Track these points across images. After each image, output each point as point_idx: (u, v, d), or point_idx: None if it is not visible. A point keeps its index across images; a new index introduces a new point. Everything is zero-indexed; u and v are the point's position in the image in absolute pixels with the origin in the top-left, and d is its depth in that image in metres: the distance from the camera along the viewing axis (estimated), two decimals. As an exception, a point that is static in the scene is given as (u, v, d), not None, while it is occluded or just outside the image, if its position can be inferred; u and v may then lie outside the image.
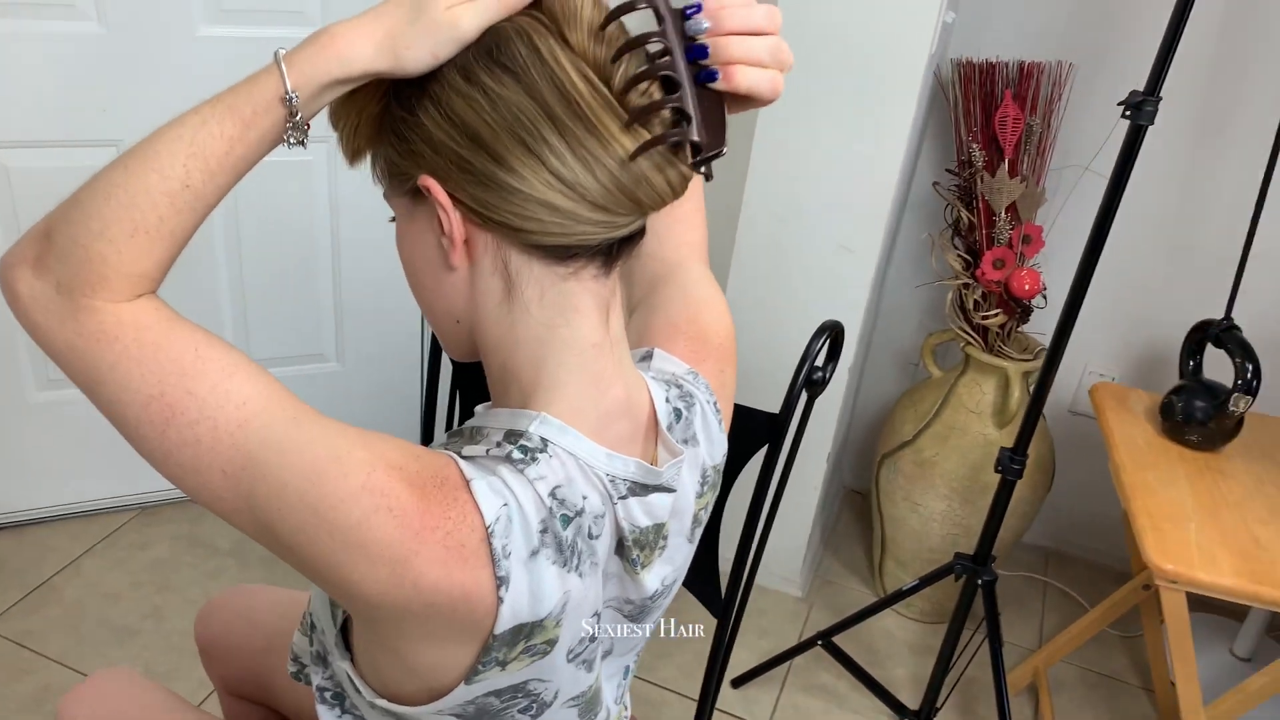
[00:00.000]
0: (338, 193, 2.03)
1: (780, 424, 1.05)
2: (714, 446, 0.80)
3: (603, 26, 0.62)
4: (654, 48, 0.62)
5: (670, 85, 0.62)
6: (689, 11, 0.63)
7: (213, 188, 0.62)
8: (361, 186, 1.97)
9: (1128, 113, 1.40)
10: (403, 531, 0.60)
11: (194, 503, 2.14)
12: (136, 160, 0.61)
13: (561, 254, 0.65)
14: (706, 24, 0.63)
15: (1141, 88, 1.38)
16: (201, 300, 2.02)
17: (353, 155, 0.70)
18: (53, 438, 2.01)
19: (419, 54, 0.61)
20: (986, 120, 1.90)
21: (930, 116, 2.04)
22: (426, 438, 1.39)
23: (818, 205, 1.80)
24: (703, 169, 0.64)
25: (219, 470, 0.60)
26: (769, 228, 1.85)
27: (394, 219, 0.73)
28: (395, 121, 0.66)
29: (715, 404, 0.81)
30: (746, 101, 0.67)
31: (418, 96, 0.64)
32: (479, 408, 0.77)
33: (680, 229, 0.89)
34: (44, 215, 0.63)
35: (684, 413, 0.77)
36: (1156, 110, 1.38)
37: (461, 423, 1.36)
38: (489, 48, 0.62)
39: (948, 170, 2.02)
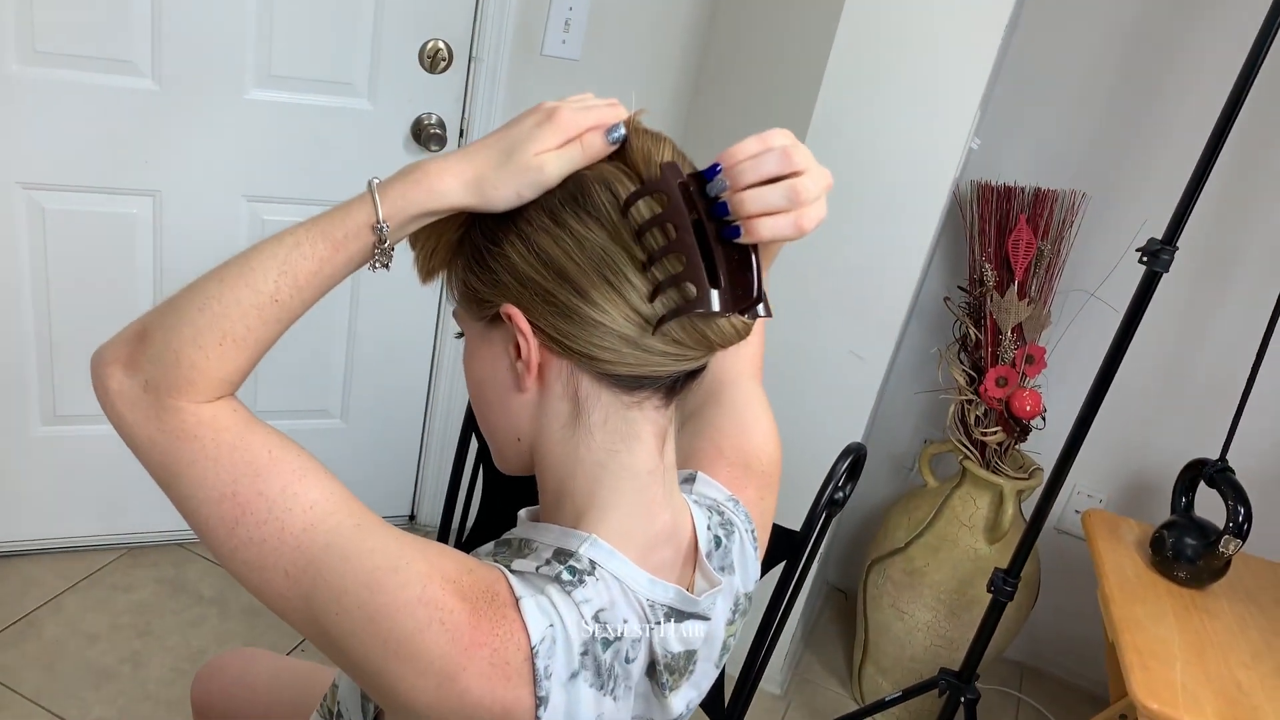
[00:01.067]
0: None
1: (799, 543, 1.08)
2: (748, 575, 0.82)
3: (623, 212, 0.65)
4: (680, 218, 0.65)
5: (691, 258, 0.65)
6: (707, 174, 0.67)
7: (298, 302, 0.66)
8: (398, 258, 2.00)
9: (1144, 259, 1.45)
10: (454, 646, 0.61)
11: (179, 546, 2.15)
12: (232, 274, 0.65)
13: (631, 384, 0.68)
14: (725, 184, 0.66)
15: (1154, 223, 1.44)
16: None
17: (426, 275, 0.74)
18: (49, 471, 2.00)
19: (505, 194, 0.65)
20: (1000, 241, 1.96)
21: (945, 231, 2.10)
22: (446, 518, 1.40)
23: (833, 309, 1.85)
24: (761, 311, 0.67)
25: (282, 570, 0.63)
26: (785, 330, 1.88)
27: (460, 334, 0.75)
28: (477, 250, 0.69)
29: (754, 533, 0.83)
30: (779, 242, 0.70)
31: (503, 230, 0.67)
32: (522, 513, 0.79)
33: (737, 345, 0.92)
34: (139, 317, 0.67)
35: (724, 540, 0.79)
36: (1172, 259, 1.44)
37: (484, 510, 1.38)
38: (574, 195, 0.66)
39: (959, 287, 2.07)
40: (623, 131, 0.66)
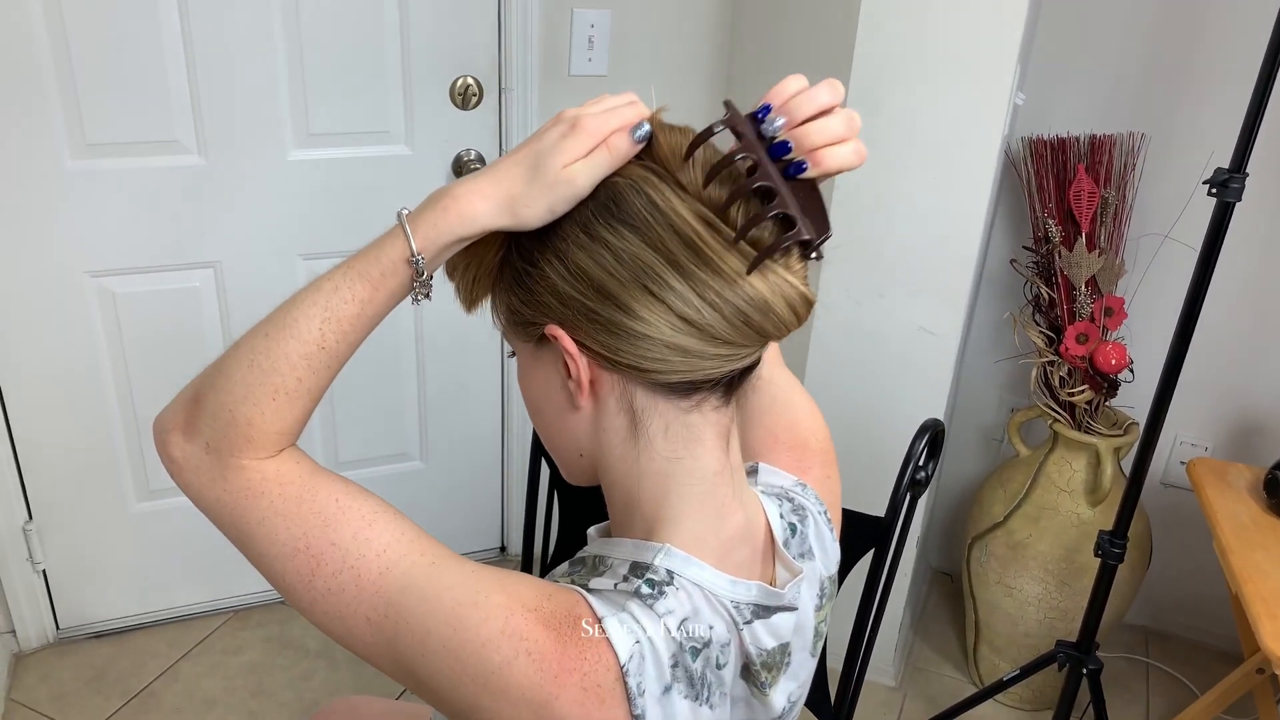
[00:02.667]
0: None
1: (886, 528, 1.04)
2: (828, 557, 0.80)
3: (686, 157, 0.64)
4: (745, 162, 0.64)
5: (767, 195, 0.63)
6: (759, 114, 0.65)
7: (345, 346, 0.66)
8: (443, 288, 2.02)
9: (1214, 191, 1.39)
10: (543, 675, 0.60)
11: (281, 604, 2.19)
12: (275, 328, 0.65)
13: (685, 390, 0.66)
14: (780, 120, 0.64)
15: (1220, 155, 1.37)
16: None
17: (470, 304, 0.73)
18: (150, 545, 2.07)
19: (537, 211, 0.64)
20: (1060, 195, 1.90)
21: (1002, 193, 2.04)
22: (528, 544, 1.40)
23: (895, 288, 1.81)
24: (815, 255, 0.65)
25: (364, 617, 0.63)
26: (847, 312, 1.85)
27: (513, 354, 0.74)
28: (517, 272, 0.68)
29: (826, 513, 0.81)
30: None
31: (540, 250, 0.66)
32: (592, 531, 0.78)
33: None
34: (191, 381, 0.67)
35: (798, 527, 0.77)
36: (1244, 187, 1.37)
37: (564, 531, 1.38)
38: (606, 205, 0.64)
39: (1024, 247, 2.01)
40: (648, 129, 0.64)
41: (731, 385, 0.69)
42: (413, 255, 0.64)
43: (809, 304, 0.66)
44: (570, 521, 1.30)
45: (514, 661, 0.60)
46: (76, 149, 1.74)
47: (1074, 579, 1.90)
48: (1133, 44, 1.94)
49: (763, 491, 0.77)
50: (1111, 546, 1.60)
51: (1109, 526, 1.64)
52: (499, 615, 0.61)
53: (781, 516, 0.76)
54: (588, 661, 0.62)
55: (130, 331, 1.89)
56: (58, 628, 2.09)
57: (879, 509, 1.09)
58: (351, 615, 0.63)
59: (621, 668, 0.62)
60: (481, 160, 1.98)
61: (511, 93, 1.95)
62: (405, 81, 1.89)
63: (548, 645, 0.61)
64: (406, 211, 0.65)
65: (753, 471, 0.81)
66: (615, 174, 0.65)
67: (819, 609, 0.78)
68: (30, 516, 1.97)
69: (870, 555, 1.06)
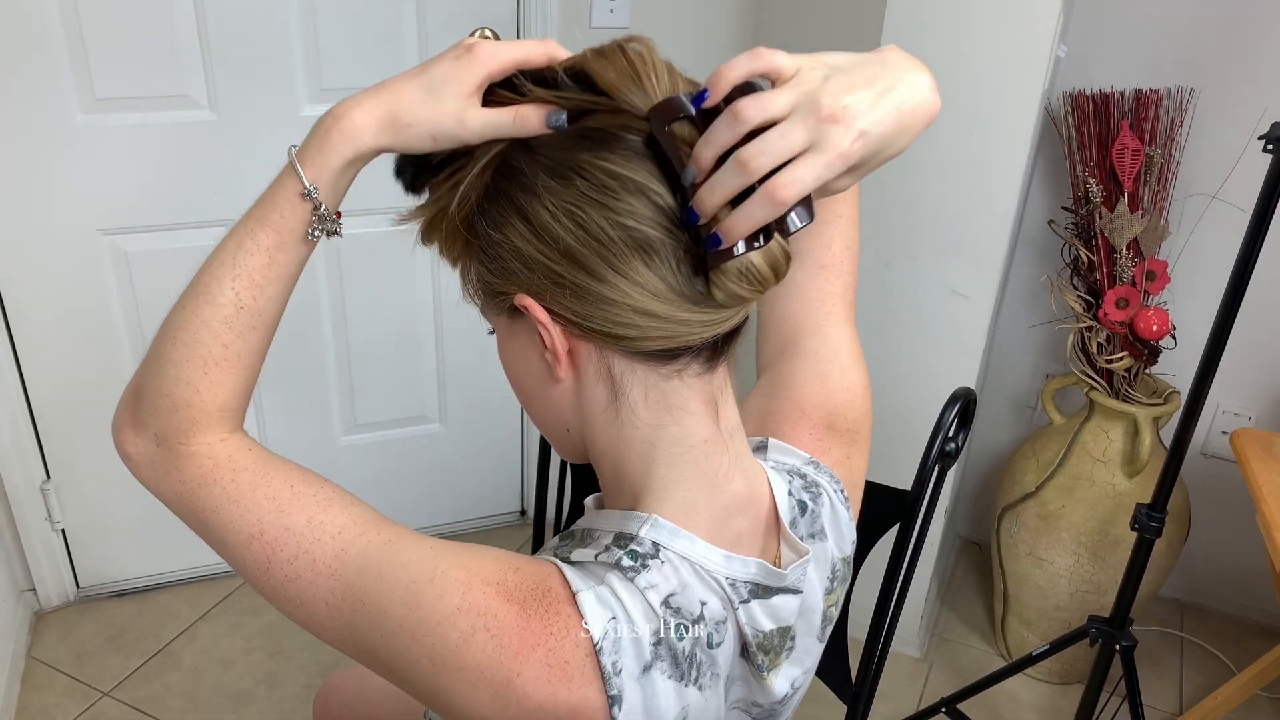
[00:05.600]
0: (438, 258, 2.05)
1: (913, 501, 0.99)
2: (843, 539, 0.75)
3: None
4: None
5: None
6: (695, 103, 0.58)
7: (264, 301, 0.63)
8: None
9: (1269, 147, 1.31)
10: (501, 652, 0.57)
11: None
12: (190, 299, 0.63)
13: (664, 356, 0.62)
14: (692, 175, 0.57)
15: (1275, 110, 1.29)
16: (308, 367, 2.05)
17: (453, 262, 0.69)
18: (169, 505, 2.06)
19: (418, 132, 0.61)
20: (1103, 153, 1.81)
21: (1041, 151, 1.96)
22: (540, 511, 1.37)
23: (928, 249, 1.74)
24: (794, 223, 0.58)
25: (322, 602, 0.61)
26: (876, 274, 1.79)
27: (492, 332, 0.70)
28: (483, 241, 0.63)
29: (843, 491, 0.76)
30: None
31: (504, 212, 0.61)
32: (588, 501, 0.74)
33: (823, 279, 0.79)
34: (134, 373, 0.67)
35: (809, 505, 0.72)
36: (1302, 144, 1.29)
37: (577, 497, 1.34)
38: (560, 166, 0.59)
39: (1063, 208, 1.93)
40: (564, 119, 0.59)
41: (716, 350, 0.64)
42: (305, 189, 0.61)
43: (789, 257, 0.60)
44: (584, 488, 1.26)
45: (471, 638, 0.57)
46: (86, 103, 1.70)
47: (1108, 552, 1.84)
48: (1183, -8, 1.84)
49: (772, 468, 0.72)
50: (1149, 520, 1.54)
51: (1146, 498, 1.58)
52: (455, 590, 0.58)
53: (791, 494, 0.71)
54: (554, 637, 0.58)
55: (144, 290, 1.87)
56: (78, 586, 2.09)
57: (906, 481, 1.04)
58: (310, 600, 0.61)
59: (595, 644, 0.58)
60: (500, 116, 1.93)
61: (530, 45, 1.89)
62: (420, 33, 1.84)
63: (508, 620, 0.58)
64: (295, 148, 0.62)
65: (761, 448, 0.75)
66: (571, 130, 0.59)
67: (829, 593, 0.74)
68: (48, 476, 1.96)
69: (895, 531, 1.02)
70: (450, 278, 2.05)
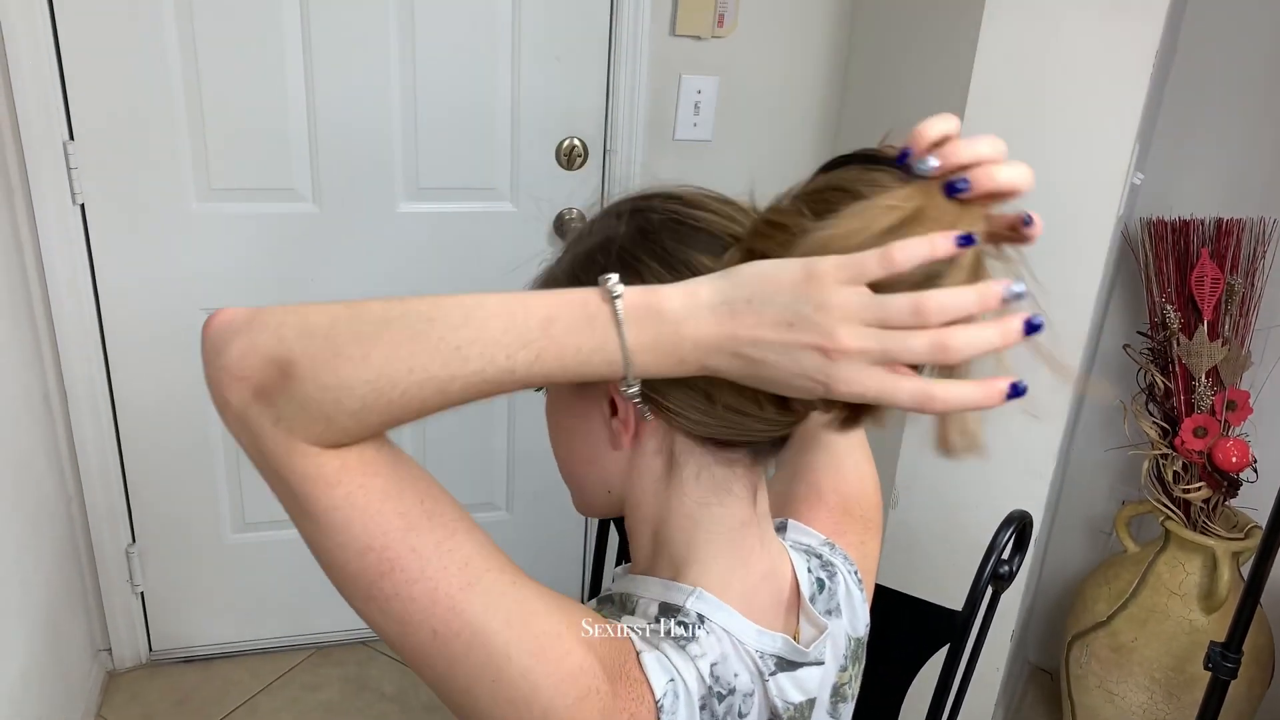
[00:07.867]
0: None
1: (963, 623, 0.99)
2: (856, 618, 0.78)
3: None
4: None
5: None
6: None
7: (472, 395, 0.56)
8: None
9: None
10: (603, 715, 0.59)
11: (363, 645, 2.21)
12: (437, 361, 0.53)
13: (728, 445, 0.66)
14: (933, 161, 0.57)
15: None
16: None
17: None
18: (242, 577, 2.12)
19: (775, 375, 0.54)
20: (1181, 280, 1.80)
21: (1119, 275, 1.95)
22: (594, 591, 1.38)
23: (998, 368, 1.73)
24: None
25: (429, 629, 0.56)
26: (945, 391, 1.79)
27: (540, 389, 0.66)
28: None
29: (856, 574, 0.79)
30: None
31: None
32: (617, 570, 0.77)
33: None
34: (280, 321, 0.53)
35: (826, 583, 0.76)
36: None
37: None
38: (673, 251, 0.62)
39: (1139, 332, 1.92)
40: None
41: (773, 446, 0.68)
42: (624, 380, 0.55)
43: None
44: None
45: (584, 700, 0.58)
46: (202, 193, 1.83)
47: (1183, 691, 1.77)
48: (1264, 123, 1.84)
49: (791, 547, 0.76)
50: (1223, 660, 1.48)
51: (1223, 637, 1.52)
52: (578, 651, 0.59)
53: (810, 571, 0.75)
54: (635, 701, 0.60)
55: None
56: (150, 649, 2.16)
57: (960, 601, 1.03)
58: (415, 624, 0.56)
59: (657, 703, 0.61)
60: (583, 219, 2.01)
61: (616, 155, 1.98)
62: (514, 140, 1.94)
63: (606, 685, 0.59)
64: (621, 313, 0.53)
65: (781, 528, 0.80)
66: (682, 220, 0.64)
67: (843, 669, 0.76)
68: (134, 540, 2.05)
69: (945, 652, 1.01)
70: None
